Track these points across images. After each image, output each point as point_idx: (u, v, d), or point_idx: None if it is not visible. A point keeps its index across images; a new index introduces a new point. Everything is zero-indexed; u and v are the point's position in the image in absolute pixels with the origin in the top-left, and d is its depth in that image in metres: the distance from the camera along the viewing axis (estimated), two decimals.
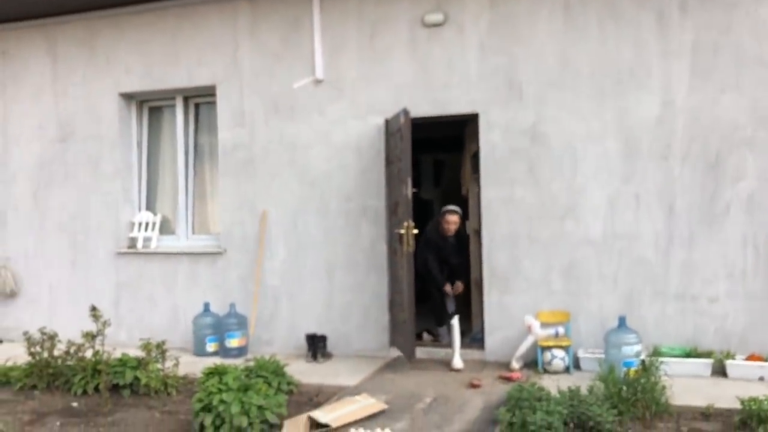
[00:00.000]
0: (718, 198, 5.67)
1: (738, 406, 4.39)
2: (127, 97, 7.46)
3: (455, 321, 6.13)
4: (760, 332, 5.57)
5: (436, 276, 6.75)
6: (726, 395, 4.74)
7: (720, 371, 5.41)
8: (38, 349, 5.73)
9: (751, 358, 5.43)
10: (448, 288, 6.74)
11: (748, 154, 5.59)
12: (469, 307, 7.05)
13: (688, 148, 5.72)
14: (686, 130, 5.72)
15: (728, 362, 5.38)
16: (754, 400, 4.30)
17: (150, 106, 7.63)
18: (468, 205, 7.33)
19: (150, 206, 7.60)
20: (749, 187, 5.60)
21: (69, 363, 5.68)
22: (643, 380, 4.55)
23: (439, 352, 6.39)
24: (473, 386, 5.32)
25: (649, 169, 5.81)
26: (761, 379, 5.24)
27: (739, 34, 5.60)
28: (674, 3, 5.72)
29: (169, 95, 7.41)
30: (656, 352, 5.50)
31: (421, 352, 6.29)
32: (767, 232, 5.56)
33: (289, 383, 5.37)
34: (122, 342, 6.80)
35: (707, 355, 5.52)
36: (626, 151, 5.86)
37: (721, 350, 5.54)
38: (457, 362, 5.94)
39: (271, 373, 5.27)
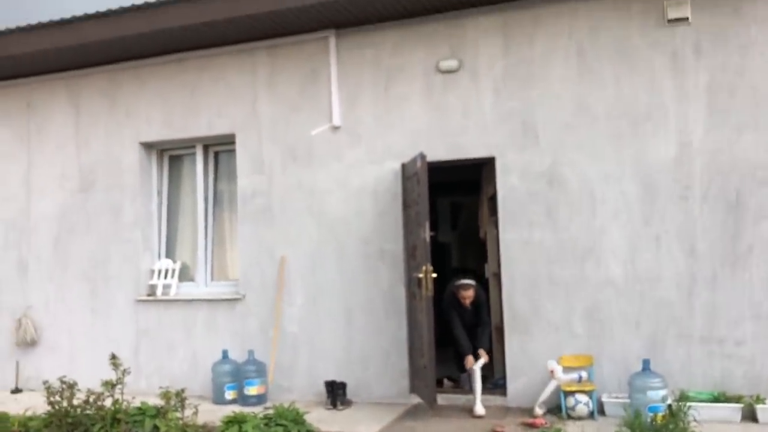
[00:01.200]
0: (740, 238, 5.61)
1: None
2: (148, 146, 7.59)
3: (477, 366, 6.05)
4: None
5: (462, 343, 6.41)
6: None
7: (750, 416, 5.27)
8: (58, 398, 5.71)
9: None
10: (470, 361, 6.22)
11: None
12: (490, 352, 6.94)
13: (708, 189, 5.69)
14: (705, 170, 5.70)
15: (758, 407, 5.24)
16: None
17: (170, 155, 7.76)
18: (486, 248, 7.29)
19: (170, 253, 7.65)
20: None
21: (88, 412, 5.64)
22: (671, 426, 4.45)
23: (461, 399, 6.28)
24: None
25: (668, 210, 5.78)
26: None
27: (753, 74, 5.62)
28: (688, 45, 5.76)
29: (189, 144, 7.54)
30: (683, 397, 5.36)
31: (442, 399, 6.19)
32: None
33: (308, 431, 5.30)
34: (142, 390, 6.75)
35: (736, 399, 5.38)
36: (645, 193, 5.84)
37: (751, 394, 5.40)
38: (479, 408, 5.84)
39: (290, 421, 5.23)
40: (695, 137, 5.73)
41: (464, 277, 6.69)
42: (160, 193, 7.70)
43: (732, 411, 5.29)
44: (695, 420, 4.63)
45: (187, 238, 7.66)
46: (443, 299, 6.60)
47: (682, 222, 5.74)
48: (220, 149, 7.52)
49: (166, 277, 7.44)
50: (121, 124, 7.56)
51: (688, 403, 4.71)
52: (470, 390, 6.20)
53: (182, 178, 7.76)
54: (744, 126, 5.62)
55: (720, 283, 5.64)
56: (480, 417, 5.78)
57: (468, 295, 6.51)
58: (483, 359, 6.24)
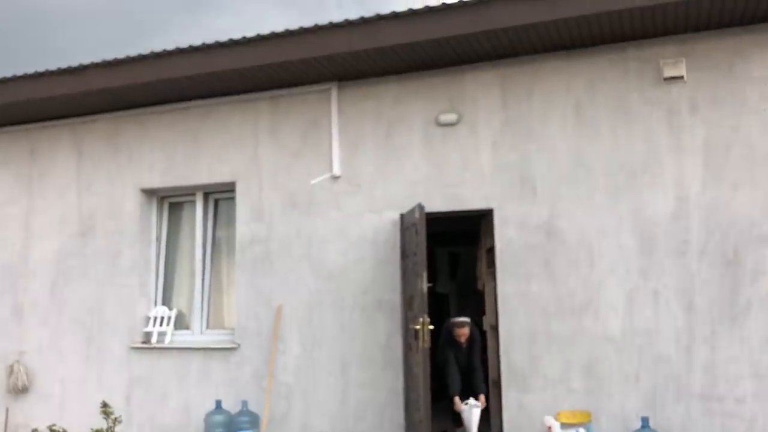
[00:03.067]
0: (739, 295, 5.60)
1: None
2: (149, 192, 7.64)
3: (476, 410, 6.09)
4: None
5: (453, 383, 6.51)
6: None
7: None
8: None
9: None
10: (461, 405, 6.33)
11: (766, 250, 5.56)
12: (487, 407, 6.84)
13: (705, 244, 5.70)
14: (702, 225, 5.72)
15: None
16: None
17: (170, 202, 7.79)
18: (484, 301, 7.26)
19: (166, 301, 7.62)
20: None
21: None
22: None
23: None
24: None
25: (666, 265, 5.78)
26: None
27: (749, 131, 5.69)
28: (684, 102, 5.85)
29: (189, 191, 7.58)
30: None
31: None
32: None
33: None
34: None
35: None
36: (643, 247, 5.85)
37: None
38: None
39: None
40: (692, 192, 5.77)
41: (459, 317, 6.80)
42: (158, 239, 7.71)
43: None
44: None
45: (184, 286, 7.64)
46: (439, 339, 6.57)
47: (679, 277, 5.74)
48: (220, 197, 7.56)
49: (161, 324, 7.39)
50: (122, 170, 7.62)
51: None
52: None
53: (181, 225, 7.78)
54: (740, 183, 5.67)
55: (719, 339, 5.60)
56: None
57: (463, 333, 6.61)
58: (481, 404, 6.26)
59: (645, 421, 5.33)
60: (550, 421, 5.61)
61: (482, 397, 6.39)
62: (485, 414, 6.54)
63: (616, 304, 5.86)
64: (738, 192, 5.67)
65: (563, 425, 5.62)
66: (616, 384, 5.78)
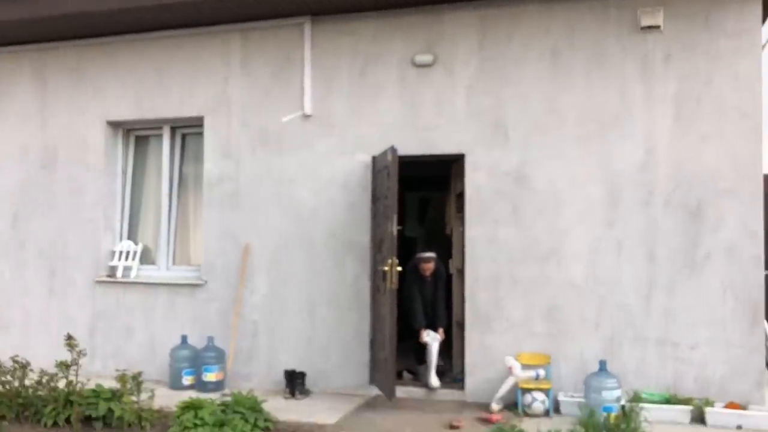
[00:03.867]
0: (699, 246, 5.74)
1: None
2: (115, 125, 7.45)
3: (433, 340, 6.32)
4: (739, 381, 5.60)
5: (417, 315, 6.67)
6: None
7: (699, 419, 5.40)
8: (9, 378, 5.59)
9: (729, 406, 5.43)
10: (424, 336, 6.51)
11: (728, 203, 5.68)
12: (450, 348, 7.00)
13: (671, 196, 5.81)
14: (669, 177, 5.81)
15: (707, 410, 5.38)
16: None
17: (137, 135, 7.62)
18: (452, 245, 7.34)
19: (131, 235, 7.53)
20: (729, 237, 5.67)
21: (40, 393, 5.54)
22: (623, 426, 4.54)
23: (419, 392, 6.33)
24: (453, 427, 5.27)
25: (631, 215, 5.88)
26: (739, 427, 5.23)
27: (720, 85, 5.74)
28: (658, 52, 5.86)
29: (156, 125, 7.41)
30: (636, 398, 5.49)
31: (401, 392, 6.22)
32: (747, 282, 5.63)
33: (266, 420, 5.28)
34: (97, 372, 6.67)
35: (687, 402, 5.51)
36: (609, 197, 5.93)
37: (701, 397, 5.54)
38: (434, 381, 6.21)
39: (248, 408, 5.19)
40: (661, 144, 5.84)
41: (426, 251, 6.98)
42: (124, 173, 7.56)
43: (682, 413, 5.42)
44: (646, 420, 4.73)
45: (150, 221, 7.55)
46: (405, 274, 6.67)
47: (643, 227, 5.85)
48: (188, 131, 7.41)
49: (126, 259, 7.32)
50: (87, 101, 7.39)
51: (641, 404, 4.81)
52: (428, 384, 6.28)
53: (148, 160, 7.63)
54: (708, 135, 5.75)
55: (677, 288, 5.76)
56: (434, 389, 6.16)
57: (429, 267, 6.77)
58: (440, 336, 6.52)
59: (602, 364, 5.50)
60: (511, 361, 5.76)
61: (441, 330, 6.63)
62: (448, 351, 6.70)
63: (581, 252, 5.97)
64: (705, 145, 5.75)
65: (523, 366, 5.78)
66: (577, 329, 5.94)
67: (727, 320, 5.65)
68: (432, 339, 6.44)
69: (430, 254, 6.88)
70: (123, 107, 7.29)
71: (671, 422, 5.34)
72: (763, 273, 5.66)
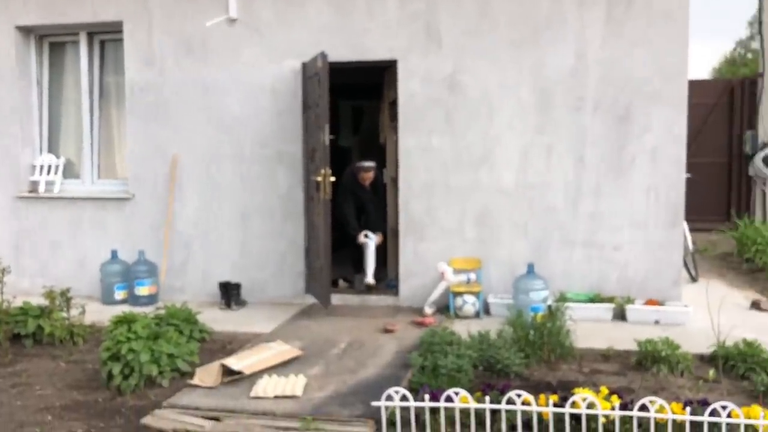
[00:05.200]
0: (626, 150, 5.88)
1: (635, 347, 4.64)
2: (25, 30, 6.95)
3: (372, 243, 6.46)
4: (658, 279, 5.89)
5: (350, 221, 6.77)
6: (625, 338, 4.98)
7: (620, 316, 5.69)
8: None
9: (648, 302, 5.74)
10: (361, 237, 6.66)
11: (655, 108, 5.79)
12: (384, 255, 7.09)
13: (600, 101, 5.87)
14: (598, 82, 5.86)
15: (628, 307, 5.67)
16: (649, 341, 4.57)
17: (51, 42, 7.15)
18: (386, 154, 7.30)
19: (53, 149, 7.19)
20: (654, 141, 5.82)
21: None
22: (549, 325, 4.73)
23: (355, 299, 6.43)
24: (387, 331, 5.40)
25: (562, 121, 5.94)
26: (657, 322, 5.55)
27: None
28: None
29: (71, 30, 6.95)
30: (562, 298, 5.69)
31: (336, 299, 6.31)
32: (669, 184, 5.83)
33: (201, 331, 5.29)
34: (25, 290, 6.49)
35: (609, 300, 5.79)
36: (541, 102, 5.96)
37: (623, 296, 5.82)
38: (370, 279, 6.40)
39: (182, 321, 5.17)
40: (591, 49, 5.84)
41: (366, 160, 6.92)
42: (39, 83, 7.14)
43: (604, 311, 5.69)
44: (571, 319, 4.94)
45: (71, 134, 7.20)
46: (339, 186, 6.65)
47: (573, 132, 5.93)
48: (106, 38, 6.99)
49: (48, 173, 7.02)
50: None
51: (566, 304, 5.00)
52: (364, 290, 6.40)
53: (65, 68, 7.20)
54: (637, 40, 5.78)
55: (604, 192, 5.93)
56: (370, 286, 6.35)
57: (369, 177, 6.77)
58: (378, 238, 6.65)
59: (530, 266, 5.69)
60: (443, 266, 5.89)
61: (380, 234, 6.74)
62: (383, 259, 6.78)
63: (512, 158, 6.04)
64: (634, 49, 5.79)
65: (455, 271, 5.92)
66: (507, 233, 6.08)
67: (650, 222, 5.88)
68: (370, 239, 6.53)
69: (371, 163, 6.84)
70: (32, 11, 6.79)
71: (595, 320, 5.62)
72: (684, 176, 5.86)
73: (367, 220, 6.89)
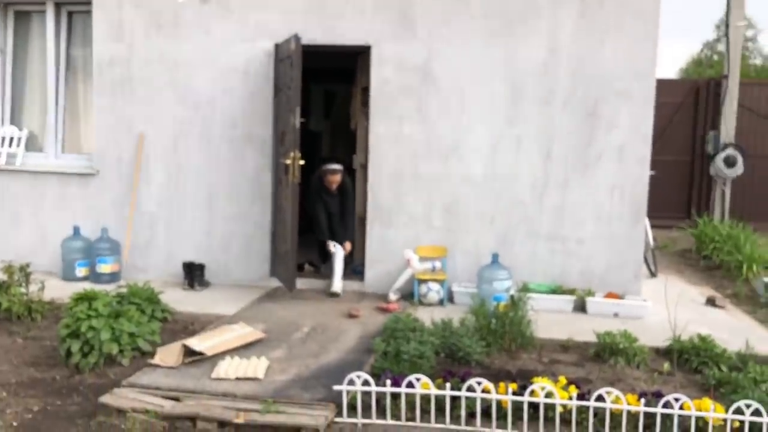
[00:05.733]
0: (593, 145, 5.96)
1: (594, 339, 4.74)
2: None
3: (338, 249, 6.23)
4: (618, 272, 6.00)
5: (321, 227, 6.50)
6: (584, 329, 5.08)
7: (581, 307, 5.80)
8: None
9: (608, 296, 5.85)
10: (331, 246, 6.37)
11: (623, 105, 5.88)
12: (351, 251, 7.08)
13: (570, 95, 5.94)
14: (569, 77, 5.92)
15: (588, 299, 5.77)
16: (608, 333, 4.67)
17: (16, 11, 6.96)
18: (356, 140, 7.29)
19: (15, 120, 7.01)
20: (621, 137, 5.91)
21: None
22: (511, 314, 4.80)
23: (320, 283, 6.42)
24: (351, 316, 5.42)
25: (531, 114, 6.00)
26: (616, 315, 5.66)
27: None
28: None
29: (38, 0, 6.77)
30: (524, 289, 5.80)
31: (301, 283, 6.30)
32: (633, 181, 5.93)
33: (163, 311, 5.24)
34: None
35: (570, 292, 5.88)
36: (512, 94, 6.00)
37: (584, 288, 5.92)
38: (337, 286, 6.11)
39: (144, 300, 5.13)
40: (563, 43, 5.90)
41: (332, 163, 6.64)
42: (3, 52, 6.95)
43: (565, 302, 5.79)
44: (533, 309, 5.02)
45: (36, 106, 7.04)
46: (310, 185, 6.58)
47: (542, 126, 5.99)
48: (74, 9, 6.83)
49: (10, 145, 6.85)
50: None
51: (529, 295, 5.08)
52: (329, 275, 6.36)
53: (31, 39, 7.01)
54: (608, 37, 5.85)
55: (570, 186, 6.01)
56: (335, 294, 6.05)
57: (335, 180, 6.47)
58: (346, 248, 6.40)
59: (495, 256, 5.75)
60: (409, 254, 5.92)
61: (347, 244, 6.46)
62: (350, 250, 6.71)
63: (481, 149, 6.08)
64: (605, 45, 5.86)
65: (421, 259, 5.96)
66: (473, 223, 6.13)
67: (613, 217, 5.98)
68: (338, 249, 6.33)
69: (337, 166, 6.52)
70: None
71: (556, 311, 5.71)
72: (648, 173, 5.97)
73: (332, 227, 6.57)
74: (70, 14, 6.88)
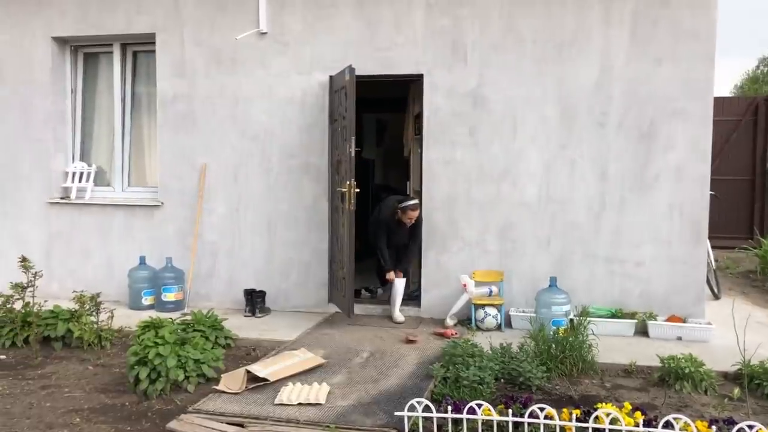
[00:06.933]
0: (649, 166, 5.89)
1: (657, 363, 4.65)
2: (61, 41, 7.14)
3: (398, 280, 6.25)
4: (680, 295, 5.88)
5: (385, 257, 6.39)
6: (647, 354, 4.99)
7: (642, 331, 5.69)
8: None
9: (670, 319, 5.73)
10: (391, 276, 6.31)
11: (679, 125, 5.81)
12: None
13: (624, 117, 5.90)
14: (622, 98, 5.89)
15: (650, 323, 5.66)
16: (672, 358, 4.57)
17: (85, 53, 7.33)
18: (410, 166, 7.37)
19: (84, 156, 7.36)
20: (678, 157, 5.83)
21: None
22: (571, 339, 4.75)
23: (377, 309, 6.49)
24: (409, 342, 5.45)
25: (585, 136, 5.98)
26: (679, 338, 5.54)
27: (676, 7, 5.76)
28: None
29: (105, 41, 7.13)
30: (584, 312, 5.71)
31: (359, 309, 6.37)
32: (692, 201, 5.83)
33: (226, 337, 5.38)
34: (54, 294, 6.66)
35: (631, 315, 5.79)
36: (564, 117, 6.00)
37: (645, 311, 5.81)
38: (398, 316, 6.15)
39: (208, 327, 5.27)
40: (616, 65, 5.88)
41: (408, 198, 6.40)
42: (74, 91, 7.32)
43: (627, 326, 5.69)
44: (593, 333, 4.97)
45: (103, 142, 7.37)
46: (374, 216, 6.59)
47: (596, 148, 5.96)
48: (139, 49, 7.17)
49: (80, 180, 7.18)
50: (31, 15, 7.05)
51: (588, 318, 5.03)
52: (387, 300, 6.42)
53: (99, 78, 7.38)
54: (663, 57, 5.80)
55: (626, 207, 5.94)
56: (398, 323, 6.08)
57: (414, 216, 6.23)
58: (404, 279, 6.35)
59: (553, 280, 5.71)
60: (465, 279, 5.93)
61: (400, 272, 6.35)
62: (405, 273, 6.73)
63: (535, 172, 6.08)
64: (660, 67, 5.81)
65: (477, 283, 5.96)
66: (529, 247, 6.11)
67: (673, 238, 5.88)
68: (398, 280, 6.28)
69: (415, 201, 6.26)
70: (69, 23, 6.98)
71: (617, 335, 5.62)
72: (708, 193, 5.86)
73: (398, 258, 6.45)
74: (135, 54, 7.21)
